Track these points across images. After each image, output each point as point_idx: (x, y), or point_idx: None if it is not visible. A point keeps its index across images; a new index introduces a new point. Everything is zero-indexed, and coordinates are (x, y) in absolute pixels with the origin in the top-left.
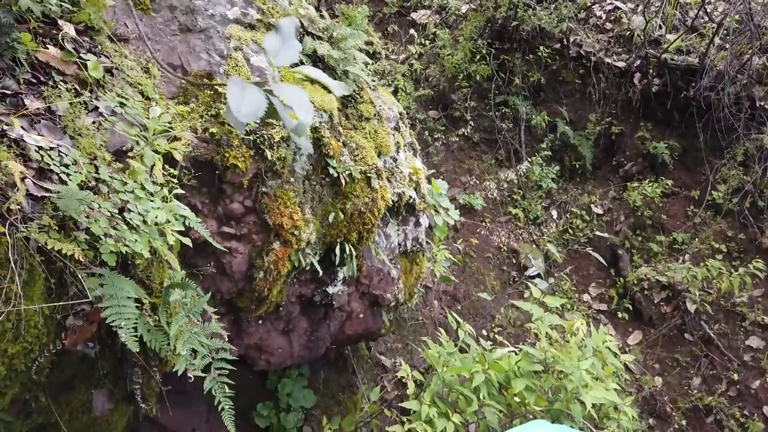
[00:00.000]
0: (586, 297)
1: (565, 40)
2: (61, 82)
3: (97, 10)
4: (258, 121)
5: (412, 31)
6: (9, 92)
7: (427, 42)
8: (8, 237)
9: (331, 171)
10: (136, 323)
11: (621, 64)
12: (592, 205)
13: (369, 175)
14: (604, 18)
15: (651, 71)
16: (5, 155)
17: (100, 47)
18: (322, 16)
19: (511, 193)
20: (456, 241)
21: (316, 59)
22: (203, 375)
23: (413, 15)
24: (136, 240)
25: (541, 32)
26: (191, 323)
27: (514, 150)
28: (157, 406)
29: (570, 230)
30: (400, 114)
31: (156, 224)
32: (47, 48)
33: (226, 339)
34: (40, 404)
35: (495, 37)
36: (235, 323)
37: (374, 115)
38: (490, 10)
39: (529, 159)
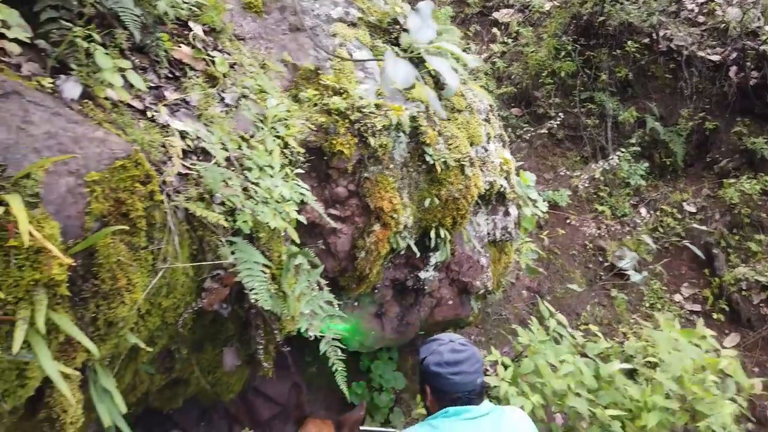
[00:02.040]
0: (677, 297)
1: (654, 34)
2: (193, 77)
3: (218, 13)
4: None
5: (494, 30)
6: (153, 85)
7: (510, 40)
8: (166, 204)
9: (428, 158)
10: (265, 285)
11: (715, 58)
12: (684, 203)
13: (463, 163)
14: (696, 11)
15: (749, 64)
16: (158, 137)
17: (222, 46)
18: None
19: (597, 190)
20: (540, 238)
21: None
22: (321, 335)
23: (495, 14)
24: (264, 212)
25: (628, 27)
26: (311, 287)
27: (600, 146)
28: (272, 369)
29: (660, 228)
30: (490, 106)
31: (279, 200)
32: (180, 47)
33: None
34: (181, 356)
35: (580, 33)
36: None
37: (465, 107)
38: (576, 6)
39: (617, 155)
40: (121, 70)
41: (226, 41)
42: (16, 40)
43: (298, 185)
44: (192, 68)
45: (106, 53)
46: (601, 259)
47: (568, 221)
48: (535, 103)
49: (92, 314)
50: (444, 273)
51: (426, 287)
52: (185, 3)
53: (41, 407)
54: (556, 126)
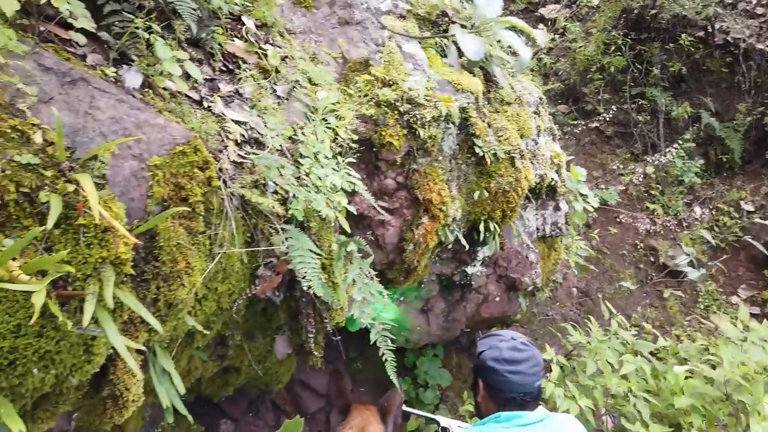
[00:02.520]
0: (735, 299)
1: (709, 27)
2: (246, 70)
3: (269, 8)
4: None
5: (540, 25)
6: (207, 77)
7: (557, 36)
8: (223, 190)
9: (477, 150)
10: (317, 273)
11: None
12: (741, 202)
13: (513, 155)
14: (754, 2)
15: None
16: (214, 126)
17: (273, 40)
18: (464, 7)
19: (648, 188)
20: (588, 237)
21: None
22: (372, 322)
23: (542, 10)
24: (316, 200)
25: (682, 20)
26: (362, 274)
27: (651, 143)
28: (321, 359)
29: (716, 228)
30: (540, 99)
31: (331, 189)
32: (234, 40)
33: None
34: (234, 343)
35: (631, 27)
36: None
37: (515, 100)
38: (626, 0)
39: (669, 153)
40: (179, 61)
41: (276, 35)
42: (82, 31)
43: (349, 174)
44: (245, 61)
45: (166, 44)
46: (652, 259)
47: (617, 220)
48: (583, 100)
49: (153, 295)
50: (491, 269)
51: (473, 283)
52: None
53: (105, 384)
54: (605, 122)
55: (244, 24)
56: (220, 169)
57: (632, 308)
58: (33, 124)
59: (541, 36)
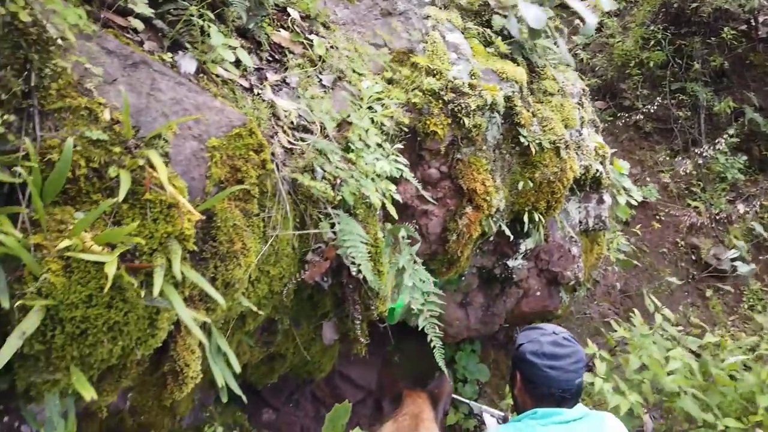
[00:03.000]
0: None
1: (753, 20)
2: (292, 59)
3: (312, 0)
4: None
5: (576, 21)
6: (255, 66)
7: (593, 33)
8: (276, 173)
9: (522, 140)
10: (366, 258)
11: None
12: None
13: (558, 145)
14: None
15: None
16: (265, 112)
17: (317, 31)
18: None
19: (689, 185)
20: (628, 233)
21: (506, 35)
22: (421, 308)
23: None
24: (366, 185)
25: (724, 13)
26: (412, 260)
27: (692, 139)
28: (366, 347)
29: (761, 226)
30: (582, 90)
31: (378, 176)
32: (280, 31)
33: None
34: (282, 328)
35: (670, 21)
36: None
37: (558, 91)
38: None
39: (711, 149)
40: (231, 48)
41: (320, 27)
42: (140, 17)
43: (397, 160)
44: (291, 51)
45: (219, 31)
46: (693, 257)
47: (657, 217)
48: (621, 96)
49: (211, 274)
50: (533, 262)
51: (514, 276)
52: None
53: (165, 360)
54: (644, 118)
55: (289, 15)
56: (272, 154)
57: (674, 307)
58: (100, 103)
59: (607, 5)
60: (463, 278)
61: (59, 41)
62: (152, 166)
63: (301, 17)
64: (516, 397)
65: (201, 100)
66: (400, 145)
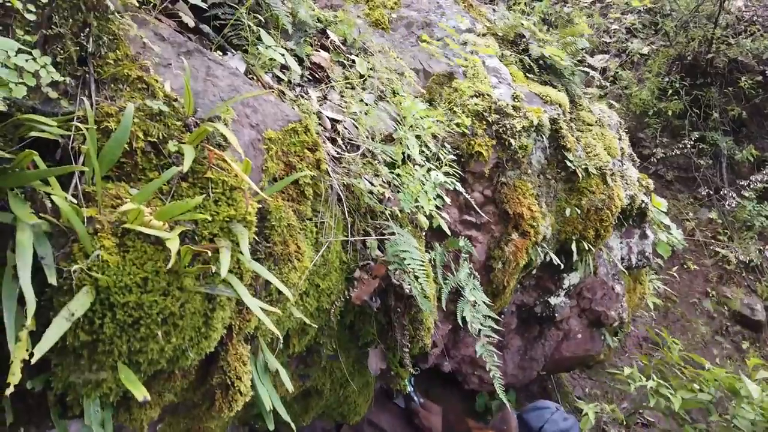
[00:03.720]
0: None
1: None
2: (333, 78)
3: (349, 27)
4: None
5: (592, 72)
6: (296, 83)
7: (608, 83)
8: (330, 174)
9: (568, 164)
10: (424, 270)
11: None
12: None
13: (604, 171)
14: None
15: None
16: (313, 122)
17: (356, 54)
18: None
19: (714, 233)
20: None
21: (543, 65)
22: (481, 328)
23: (590, 60)
24: (420, 194)
25: (738, 64)
26: (472, 276)
27: (715, 188)
28: (406, 384)
29: None
30: (620, 123)
31: (430, 188)
32: (319, 51)
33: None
34: (325, 354)
35: (686, 72)
36: (452, 332)
37: (596, 122)
38: (682, 45)
39: (735, 197)
40: (281, 54)
41: (359, 51)
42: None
43: (449, 173)
44: (330, 71)
45: (269, 32)
46: (726, 308)
47: (685, 267)
48: (640, 145)
49: (266, 278)
50: (575, 300)
51: (556, 315)
52: (320, 16)
53: (214, 372)
54: (664, 167)
55: (329, 37)
56: (321, 158)
57: (710, 360)
58: (156, 80)
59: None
60: (502, 316)
61: (117, 13)
62: (212, 145)
63: (340, 42)
64: None
65: (258, 93)
66: (447, 165)
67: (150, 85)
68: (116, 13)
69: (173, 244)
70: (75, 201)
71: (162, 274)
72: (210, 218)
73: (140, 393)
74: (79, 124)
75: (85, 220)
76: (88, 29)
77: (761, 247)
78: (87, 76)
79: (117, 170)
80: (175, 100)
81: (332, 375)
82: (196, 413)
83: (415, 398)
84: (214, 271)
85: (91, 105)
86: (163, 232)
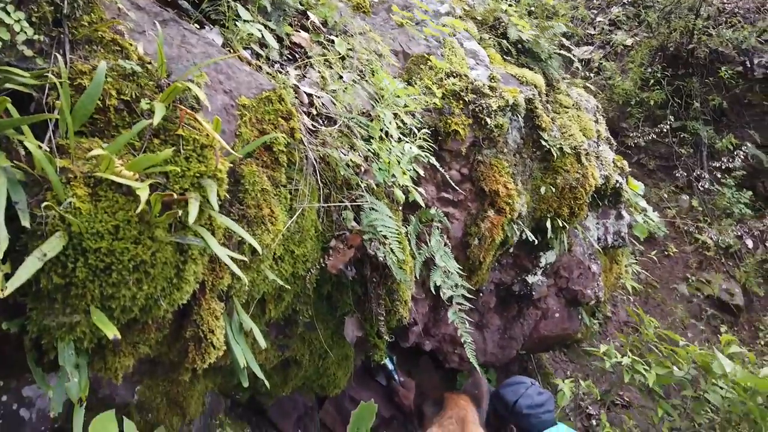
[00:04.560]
0: None
1: (748, 61)
2: (312, 57)
3: (330, 10)
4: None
5: (576, 64)
6: (275, 60)
7: (592, 74)
8: (305, 143)
9: (543, 143)
10: (397, 238)
11: None
12: None
13: (579, 150)
14: None
15: None
16: (290, 95)
17: (336, 36)
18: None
19: (695, 220)
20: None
21: (521, 48)
22: (452, 294)
23: (575, 51)
24: (395, 167)
25: (719, 55)
26: (442, 243)
27: (695, 176)
28: (385, 353)
29: None
30: (597, 107)
31: (406, 162)
32: (299, 32)
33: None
34: (303, 321)
35: (668, 63)
36: (432, 310)
37: (572, 105)
38: (664, 36)
39: (715, 185)
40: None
41: (339, 33)
42: None
43: (422, 146)
44: (309, 51)
45: (247, 8)
46: (705, 294)
47: (666, 253)
48: (623, 134)
49: (238, 238)
50: (552, 279)
51: (533, 293)
52: None
53: (188, 325)
54: (646, 156)
55: (309, 18)
56: (296, 128)
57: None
58: (130, 44)
59: None
60: (481, 294)
61: None
62: (185, 107)
63: (321, 24)
64: None
65: (231, 60)
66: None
67: (124, 48)
68: None
69: (143, 192)
70: (49, 152)
71: (133, 223)
72: (180, 174)
73: (111, 332)
74: (53, 77)
75: (58, 169)
76: None
77: (740, 233)
78: (62, 36)
79: (90, 126)
80: (149, 63)
81: (311, 345)
82: (174, 377)
83: (396, 377)
84: (185, 222)
85: (65, 63)
86: (133, 182)
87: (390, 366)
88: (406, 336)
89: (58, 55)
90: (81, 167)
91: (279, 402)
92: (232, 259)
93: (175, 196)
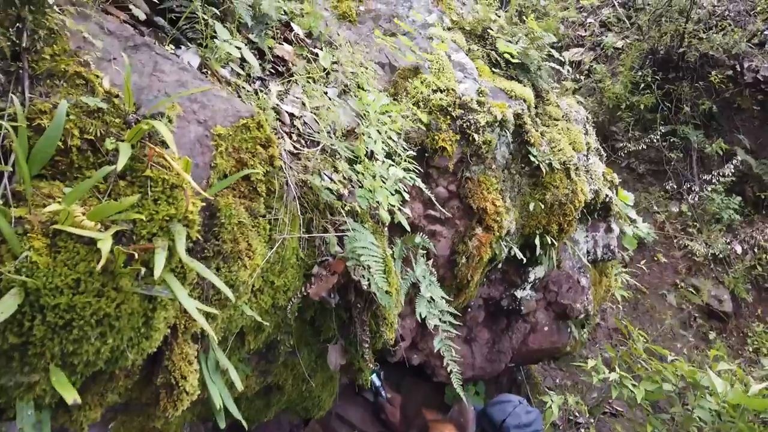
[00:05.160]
0: None
1: (738, 66)
2: (295, 72)
3: (315, 20)
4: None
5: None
6: (257, 76)
7: (582, 77)
8: (285, 172)
9: (532, 159)
10: (381, 267)
11: None
12: None
13: (568, 166)
14: None
15: None
16: (270, 116)
17: (321, 48)
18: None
19: (684, 226)
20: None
21: (509, 60)
22: (438, 324)
23: (565, 54)
24: (378, 191)
25: (710, 59)
26: (428, 271)
27: (685, 181)
28: (370, 378)
29: (759, 266)
30: (587, 118)
31: (390, 186)
32: (282, 44)
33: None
34: (284, 351)
35: (658, 66)
36: (420, 326)
37: (562, 117)
38: (654, 39)
39: (705, 190)
40: (237, 48)
41: (324, 45)
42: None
43: (408, 168)
44: (294, 65)
45: (225, 27)
46: (694, 300)
47: (655, 259)
48: (612, 138)
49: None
50: (541, 293)
51: (522, 308)
52: (285, 7)
53: (159, 371)
54: (636, 160)
55: (292, 30)
56: (277, 154)
57: (676, 351)
58: (97, 75)
59: None
60: (469, 310)
61: (55, 6)
62: (153, 143)
63: (305, 35)
64: None
65: (206, 87)
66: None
67: (89, 81)
68: (55, 6)
69: (105, 245)
70: (2, 201)
71: (96, 275)
72: (148, 218)
73: (70, 396)
74: (7, 123)
75: (13, 220)
76: (21, 24)
77: (729, 240)
78: (20, 71)
79: (51, 168)
80: (117, 96)
81: (294, 370)
82: (149, 411)
83: (383, 393)
84: (150, 271)
85: (22, 102)
86: (95, 233)
87: (377, 382)
88: (393, 352)
89: (15, 94)
90: (39, 216)
91: (263, 423)
92: (201, 311)
93: (139, 248)
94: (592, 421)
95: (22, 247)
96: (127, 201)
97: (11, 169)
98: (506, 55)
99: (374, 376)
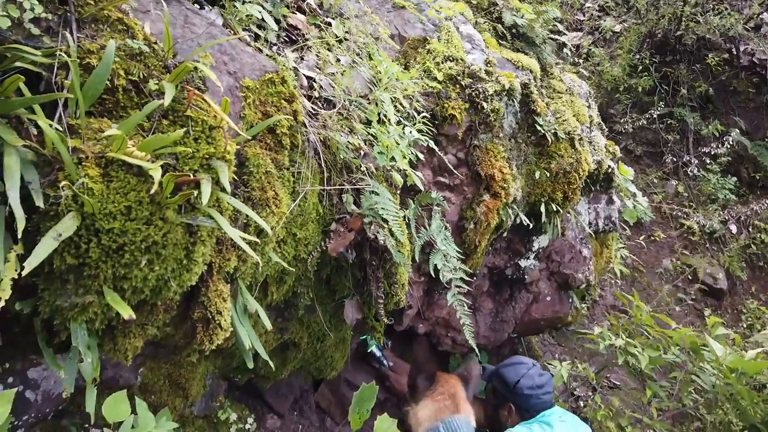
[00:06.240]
0: None
1: (734, 49)
2: (309, 39)
3: None
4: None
5: (565, 50)
6: (273, 42)
7: (581, 60)
8: (307, 126)
9: (538, 128)
10: (398, 221)
11: None
12: None
13: (573, 136)
14: None
15: None
16: (291, 77)
17: (333, 18)
18: None
19: (681, 206)
20: (623, 253)
21: (516, 33)
22: (452, 277)
23: (563, 38)
24: (394, 150)
25: (706, 42)
26: (443, 227)
27: (682, 162)
28: (382, 337)
29: (753, 245)
30: (589, 92)
31: (405, 147)
32: (296, 14)
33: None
34: (303, 303)
35: (656, 49)
36: (426, 294)
37: (566, 90)
38: (652, 22)
39: (701, 171)
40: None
41: (335, 16)
42: None
43: (422, 130)
44: (306, 33)
45: None
46: (690, 277)
47: (652, 238)
48: (611, 120)
49: (244, 220)
50: (544, 263)
51: (526, 277)
52: None
53: (195, 307)
54: (633, 143)
55: (305, 0)
56: (298, 110)
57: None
58: (136, 23)
59: None
60: (474, 278)
61: None
62: (193, 88)
63: (317, 5)
64: (503, 424)
65: (234, 42)
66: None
67: (130, 27)
68: None
69: (156, 173)
70: (60, 132)
71: (145, 204)
72: (190, 153)
73: (126, 312)
74: (63, 55)
75: (70, 149)
76: None
77: (724, 219)
78: (68, 14)
79: (99, 106)
80: (155, 42)
81: (309, 328)
82: (176, 359)
83: (385, 362)
84: (194, 203)
85: (74, 41)
86: (145, 163)
87: (377, 353)
88: (401, 319)
89: (66, 33)
90: (92, 147)
91: (275, 385)
92: (233, 243)
93: (186, 179)
94: (590, 394)
95: (78, 174)
96: (173, 135)
97: (70, 96)
98: (513, 29)
99: (374, 347)
